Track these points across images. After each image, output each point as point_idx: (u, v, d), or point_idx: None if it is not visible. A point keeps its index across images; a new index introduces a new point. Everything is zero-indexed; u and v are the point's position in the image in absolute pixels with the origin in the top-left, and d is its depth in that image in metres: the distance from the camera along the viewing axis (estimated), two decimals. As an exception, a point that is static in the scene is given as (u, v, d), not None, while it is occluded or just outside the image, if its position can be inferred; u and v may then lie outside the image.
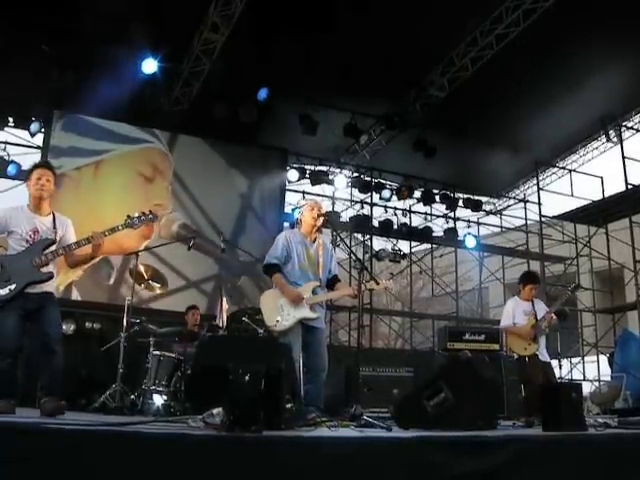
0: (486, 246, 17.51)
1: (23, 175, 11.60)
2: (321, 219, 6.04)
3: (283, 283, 5.86)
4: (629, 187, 13.75)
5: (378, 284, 6.01)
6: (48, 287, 5.04)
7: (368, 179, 15.01)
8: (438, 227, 16.35)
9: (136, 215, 5.35)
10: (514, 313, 7.68)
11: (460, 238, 16.18)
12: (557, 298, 8.19)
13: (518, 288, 7.95)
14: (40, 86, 10.78)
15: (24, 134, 12.17)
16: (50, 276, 5.00)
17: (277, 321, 5.71)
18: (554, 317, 7.64)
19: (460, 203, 15.86)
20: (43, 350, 4.86)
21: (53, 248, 5.01)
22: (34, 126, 11.76)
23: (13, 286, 4.79)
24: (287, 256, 5.93)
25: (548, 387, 6.43)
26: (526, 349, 7.50)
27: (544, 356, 7.59)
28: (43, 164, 5.43)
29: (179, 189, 12.45)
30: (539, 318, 7.52)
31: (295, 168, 13.96)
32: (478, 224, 17.15)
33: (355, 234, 15.68)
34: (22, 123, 11.98)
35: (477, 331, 10.68)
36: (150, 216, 5.40)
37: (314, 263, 5.99)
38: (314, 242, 6.08)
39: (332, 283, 6.21)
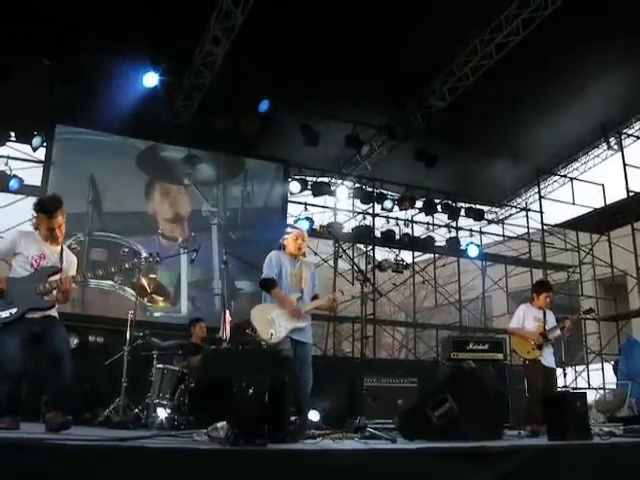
0: (488, 255, 17.47)
1: (25, 190, 11.73)
2: (304, 247, 6.52)
3: (283, 296, 6.23)
4: (630, 194, 13.76)
5: (343, 293, 6.57)
6: (51, 312, 5.01)
7: (370, 190, 15.00)
8: (440, 237, 16.34)
9: (143, 255, 5.32)
10: (524, 317, 7.85)
11: (462, 247, 16.14)
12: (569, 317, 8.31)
13: (532, 296, 8.05)
14: (41, 100, 10.78)
15: (26, 148, 12.16)
16: (52, 305, 4.97)
17: (271, 334, 6.01)
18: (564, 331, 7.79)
19: (462, 212, 15.81)
20: (51, 366, 4.82)
21: (57, 277, 4.96)
22: (36, 140, 11.75)
23: (14, 310, 4.75)
24: (279, 272, 6.33)
25: (551, 396, 6.43)
26: (529, 353, 7.66)
27: (549, 362, 7.67)
28: (51, 209, 5.02)
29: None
30: (547, 328, 7.63)
31: (297, 179, 13.95)
32: (480, 233, 17.12)
33: (357, 245, 15.66)
34: (24, 137, 11.96)
35: (481, 341, 10.68)
36: (157, 259, 5.39)
37: (299, 280, 6.39)
38: (297, 261, 6.50)
39: (313, 300, 6.56)
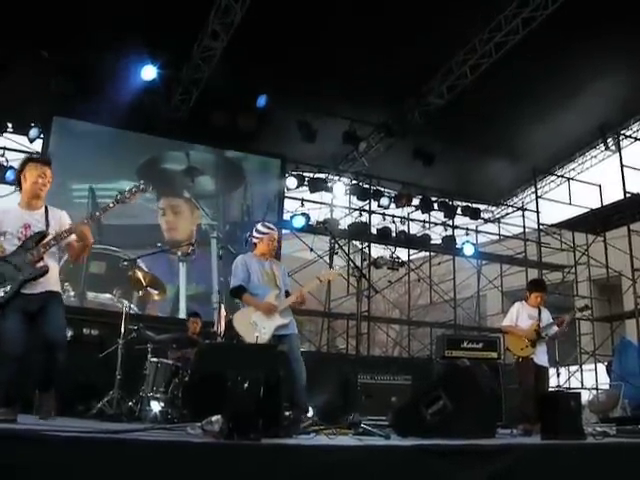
0: (484, 254, 17.46)
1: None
2: (275, 248, 6.71)
3: (253, 300, 6.28)
4: (627, 195, 13.78)
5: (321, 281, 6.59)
6: (51, 286, 4.87)
7: (367, 186, 15.00)
8: (436, 235, 16.31)
9: (126, 189, 5.11)
10: (518, 315, 7.87)
11: (458, 246, 16.13)
12: (566, 314, 8.34)
13: (525, 294, 8.07)
14: (39, 92, 10.76)
15: (23, 140, 12.11)
16: (45, 270, 4.78)
17: (256, 337, 5.99)
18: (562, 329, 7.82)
19: (458, 211, 15.80)
20: (43, 354, 4.70)
21: (49, 239, 4.83)
22: (33, 132, 11.72)
23: (8, 287, 4.63)
24: (248, 276, 6.37)
25: (545, 395, 6.44)
26: (522, 350, 7.67)
27: (541, 360, 7.68)
28: (43, 160, 5.14)
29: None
30: (542, 326, 7.65)
31: (294, 175, 13.93)
32: (476, 232, 17.13)
33: (353, 242, 15.67)
34: (21, 129, 11.93)
35: (475, 339, 10.66)
36: (142, 187, 5.18)
37: (272, 278, 6.45)
38: (267, 260, 6.57)
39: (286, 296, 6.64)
